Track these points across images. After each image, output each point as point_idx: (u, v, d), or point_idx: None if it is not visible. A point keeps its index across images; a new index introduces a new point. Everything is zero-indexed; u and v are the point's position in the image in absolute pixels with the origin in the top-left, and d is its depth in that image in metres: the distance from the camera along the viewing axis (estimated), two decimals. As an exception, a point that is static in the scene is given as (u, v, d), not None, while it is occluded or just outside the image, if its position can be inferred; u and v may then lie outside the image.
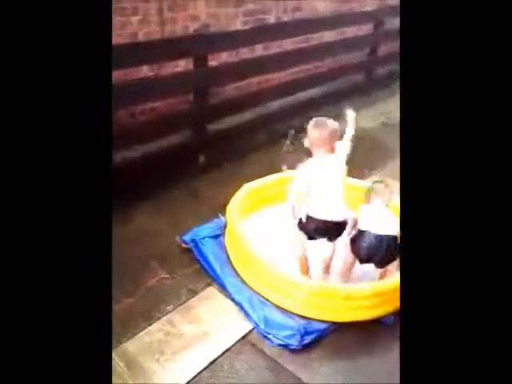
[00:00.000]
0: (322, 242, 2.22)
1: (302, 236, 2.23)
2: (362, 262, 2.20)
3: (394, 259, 2.16)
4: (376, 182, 2.38)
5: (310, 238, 2.20)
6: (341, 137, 2.17)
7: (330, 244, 2.23)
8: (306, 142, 2.16)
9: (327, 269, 2.28)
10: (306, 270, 2.28)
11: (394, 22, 5.06)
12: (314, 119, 2.17)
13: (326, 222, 2.12)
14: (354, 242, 2.18)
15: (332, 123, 2.15)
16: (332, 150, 2.14)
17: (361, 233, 2.16)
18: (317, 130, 2.12)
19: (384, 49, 5.05)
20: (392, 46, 5.21)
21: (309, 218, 2.15)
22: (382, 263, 2.18)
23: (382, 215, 2.18)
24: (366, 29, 4.82)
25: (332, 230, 2.15)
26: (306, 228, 2.18)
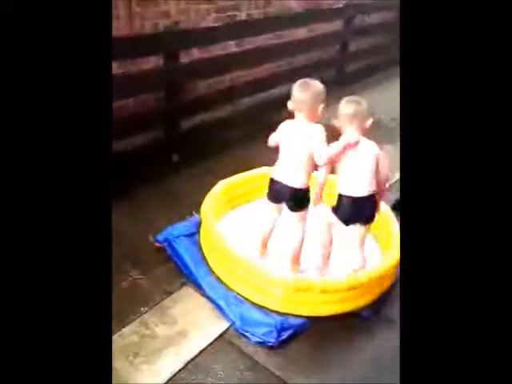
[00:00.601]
0: (287, 216, 2.22)
1: (271, 211, 2.26)
2: (347, 224, 2.16)
3: (375, 215, 2.17)
4: (347, 103, 2.11)
5: (273, 201, 2.22)
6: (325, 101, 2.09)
7: (294, 221, 2.21)
8: (290, 104, 2.12)
9: (296, 260, 2.26)
10: (263, 251, 2.33)
11: (364, 19, 5.16)
12: (300, 80, 2.12)
13: (283, 186, 2.13)
14: (336, 207, 2.15)
15: (316, 85, 2.10)
16: (313, 118, 2.09)
17: (340, 198, 2.12)
18: (299, 91, 2.07)
19: (354, 45, 5.10)
20: (362, 43, 5.28)
21: (271, 179, 2.18)
22: (367, 222, 2.17)
23: (360, 166, 2.07)
24: (336, 25, 4.85)
25: (288, 195, 2.14)
26: (269, 190, 2.21)
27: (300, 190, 2.12)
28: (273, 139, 2.20)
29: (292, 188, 2.12)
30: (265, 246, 2.36)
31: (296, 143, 2.10)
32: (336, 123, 2.12)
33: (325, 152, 2.04)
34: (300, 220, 2.21)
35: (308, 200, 2.18)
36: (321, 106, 2.08)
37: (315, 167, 2.13)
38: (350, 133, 2.07)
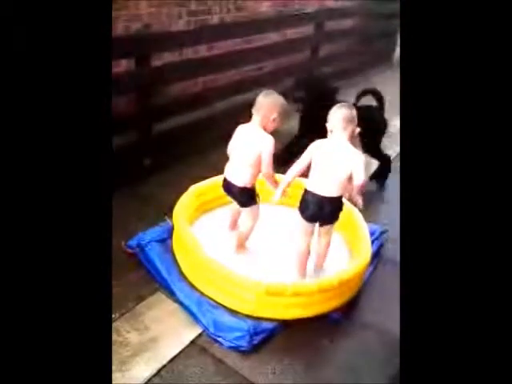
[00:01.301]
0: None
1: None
2: (309, 221, 2.24)
3: (336, 219, 2.24)
4: (343, 107, 2.17)
5: (229, 195, 2.41)
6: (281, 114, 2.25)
7: (245, 212, 2.40)
8: (253, 109, 2.28)
9: (241, 245, 2.46)
10: (240, 246, 2.48)
11: (333, 24, 5.25)
12: (265, 91, 2.28)
13: (231, 184, 2.33)
14: (302, 202, 2.22)
15: (278, 97, 2.27)
16: (265, 125, 2.24)
17: (307, 193, 2.19)
18: (261, 96, 2.25)
19: (324, 50, 5.19)
20: (332, 48, 5.38)
21: (223, 177, 2.38)
22: (325, 223, 2.24)
23: (334, 169, 2.12)
24: (306, 30, 4.92)
25: (233, 192, 2.35)
26: (222, 187, 2.40)
27: (245, 188, 2.29)
28: (231, 146, 2.35)
29: (237, 186, 2.29)
30: (234, 224, 2.59)
31: (244, 145, 2.27)
32: (328, 126, 2.17)
33: (266, 166, 2.23)
34: (249, 214, 2.38)
35: (253, 198, 2.35)
36: (273, 116, 2.23)
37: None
38: (337, 137, 2.14)
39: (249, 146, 2.24)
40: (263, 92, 2.28)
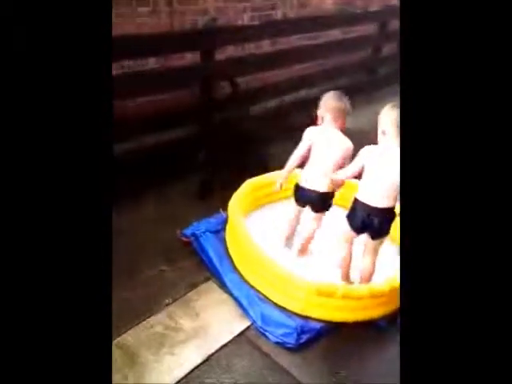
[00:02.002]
0: (308, 213, 2.38)
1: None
2: (357, 232, 2.16)
3: (386, 233, 2.12)
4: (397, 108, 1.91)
5: (299, 204, 2.38)
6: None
7: (313, 217, 2.36)
8: (321, 111, 2.25)
9: (304, 249, 2.43)
10: (287, 242, 2.51)
11: (397, 23, 5.12)
12: (334, 91, 2.27)
13: (305, 190, 2.28)
14: (351, 211, 2.16)
15: (347, 100, 2.24)
16: (340, 126, 2.24)
17: (356, 202, 2.10)
18: (337, 100, 2.22)
19: (387, 49, 5.07)
20: (395, 47, 5.25)
21: (297, 185, 2.33)
22: (375, 235, 2.12)
23: (384, 177, 1.98)
24: (370, 29, 4.83)
25: (310, 199, 2.30)
26: (295, 195, 2.35)
27: (327, 193, 2.26)
28: (303, 148, 2.26)
29: (319, 192, 2.25)
30: (291, 236, 2.52)
31: (327, 150, 2.22)
32: (379, 128, 2.02)
33: (342, 171, 2.18)
34: (317, 219, 2.37)
35: (330, 203, 2.33)
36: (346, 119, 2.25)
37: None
38: (389, 142, 1.97)
39: (333, 150, 2.20)
40: (334, 94, 2.23)
